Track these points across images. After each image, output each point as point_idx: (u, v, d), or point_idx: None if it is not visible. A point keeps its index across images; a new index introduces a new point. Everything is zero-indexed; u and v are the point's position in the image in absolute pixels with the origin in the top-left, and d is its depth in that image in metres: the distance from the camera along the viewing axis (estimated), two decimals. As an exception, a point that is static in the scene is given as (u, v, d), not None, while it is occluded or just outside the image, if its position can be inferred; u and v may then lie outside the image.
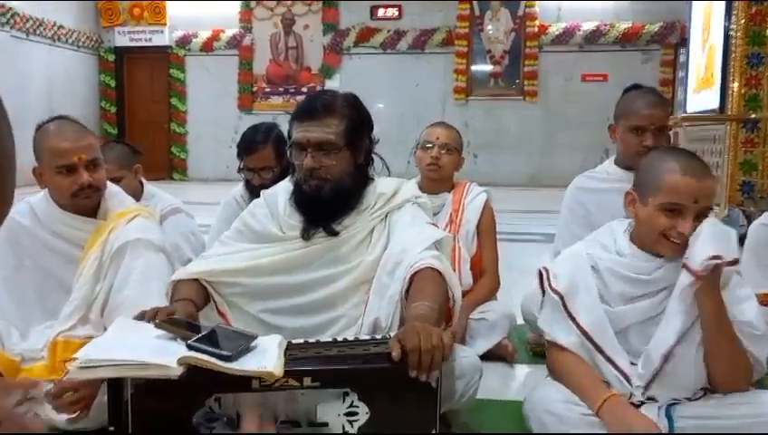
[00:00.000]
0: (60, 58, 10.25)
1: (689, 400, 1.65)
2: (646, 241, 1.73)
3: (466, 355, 1.81)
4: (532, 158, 10.66)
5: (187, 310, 1.60)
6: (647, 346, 1.68)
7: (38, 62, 9.59)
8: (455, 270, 2.59)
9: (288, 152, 1.86)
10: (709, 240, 1.59)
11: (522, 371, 2.55)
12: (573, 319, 1.75)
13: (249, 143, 2.70)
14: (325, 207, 1.81)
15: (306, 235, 1.82)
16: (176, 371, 1.26)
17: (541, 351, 2.34)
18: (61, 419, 1.83)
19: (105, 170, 2.54)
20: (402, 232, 1.81)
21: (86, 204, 2.03)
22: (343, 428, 1.35)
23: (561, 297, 1.77)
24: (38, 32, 9.64)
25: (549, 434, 1.68)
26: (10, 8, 8.91)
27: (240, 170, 2.76)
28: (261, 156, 2.67)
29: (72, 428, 1.83)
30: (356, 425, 1.35)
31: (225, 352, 1.31)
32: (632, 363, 1.69)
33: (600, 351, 1.71)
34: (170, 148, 11.45)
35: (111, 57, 11.40)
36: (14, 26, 9.05)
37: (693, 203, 1.64)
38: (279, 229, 1.86)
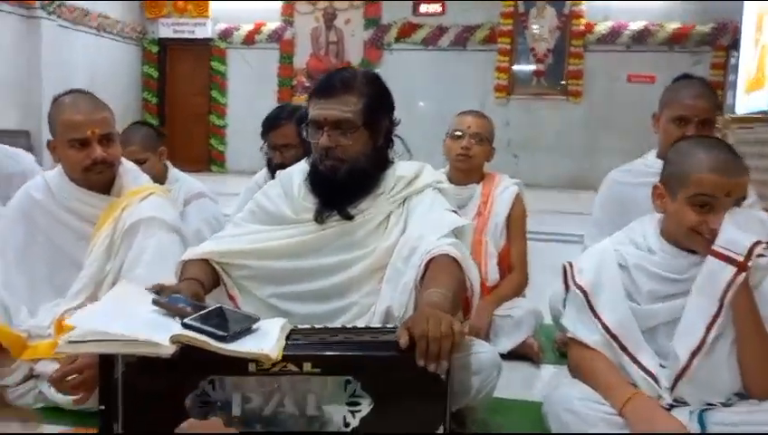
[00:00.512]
0: (105, 48, 10.40)
1: (723, 405, 1.52)
2: (676, 237, 1.62)
3: (484, 350, 1.70)
4: (573, 159, 10.42)
5: (191, 289, 1.54)
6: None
7: (83, 51, 9.73)
8: (480, 265, 2.51)
9: (305, 131, 1.78)
10: (743, 225, 1.48)
11: (547, 371, 2.43)
12: (597, 317, 1.65)
13: (273, 120, 2.68)
14: (340, 189, 1.73)
15: (319, 218, 1.75)
16: (167, 349, 1.20)
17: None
18: (64, 398, 1.79)
19: (129, 152, 2.53)
20: (420, 218, 1.72)
21: (99, 179, 1.99)
22: (344, 418, 1.27)
23: (585, 294, 1.68)
24: (84, 21, 9.79)
25: (568, 434, 1.57)
26: (58, -3, 9.09)
27: (263, 149, 2.71)
28: (283, 132, 2.62)
29: (76, 408, 1.79)
30: (358, 416, 1.27)
31: (220, 332, 1.25)
32: (661, 366, 1.58)
33: (626, 350, 1.61)
34: (209, 140, 11.53)
35: (155, 48, 11.53)
36: (60, 15, 9.20)
37: (725, 196, 1.52)
38: (293, 211, 1.79)
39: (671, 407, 1.53)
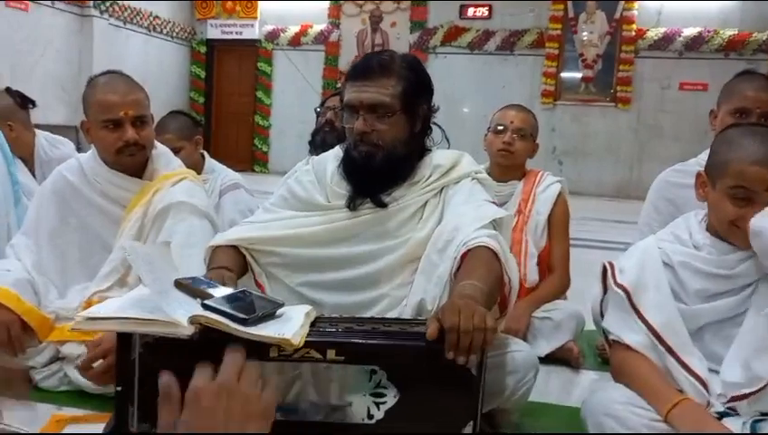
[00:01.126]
0: (154, 48, 10.58)
1: None
2: (718, 229, 1.53)
3: (520, 349, 1.62)
4: (620, 167, 10.18)
5: (232, 279, 1.49)
6: (743, 353, 1.44)
7: (134, 50, 9.92)
8: (519, 265, 2.41)
9: (340, 116, 1.72)
10: None
11: (587, 377, 2.32)
12: (641, 317, 1.55)
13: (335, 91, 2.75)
14: (375, 175, 1.65)
15: (352, 205, 1.68)
16: (186, 329, 1.15)
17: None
18: (88, 382, 1.77)
19: (165, 139, 2.52)
20: (457, 208, 1.64)
21: (130, 162, 1.96)
22: (368, 410, 1.20)
23: (627, 293, 1.58)
24: (135, 21, 9.99)
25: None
26: (110, -4, 9.29)
27: (317, 113, 2.69)
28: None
29: (100, 392, 1.77)
30: (383, 408, 1.20)
31: (241, 315, 1.18)
32: (711, 370, 1.46)
33: (672, 353, 1.50)
34: (253, 140, 11.63)
35: (203, 49, 11.69)
36: (113, 14, 9.40)
37: (765, 191, 1.42)
38: (325, 198, 1.74)
39: (721, 416, 1.42)
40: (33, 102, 2.85)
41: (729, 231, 1.50)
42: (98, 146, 1.97)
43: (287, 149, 11.14)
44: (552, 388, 2.16)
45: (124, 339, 1.21)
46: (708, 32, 9.68)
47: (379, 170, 1.65)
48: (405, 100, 1.64)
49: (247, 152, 11.55)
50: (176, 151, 2.61)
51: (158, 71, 10.52)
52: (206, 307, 1.21)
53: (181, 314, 1.17)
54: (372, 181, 1.67)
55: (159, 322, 1.15)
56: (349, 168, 1.70)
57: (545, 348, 2.33)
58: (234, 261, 1.63)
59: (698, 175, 1.59)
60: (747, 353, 1.43)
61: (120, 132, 1.90)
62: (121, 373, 1.22)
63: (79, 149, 8.85)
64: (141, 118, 1.94)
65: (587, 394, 1.76)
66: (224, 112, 11.77)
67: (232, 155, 9.69)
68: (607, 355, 2.31)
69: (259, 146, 11.62)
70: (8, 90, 2.84)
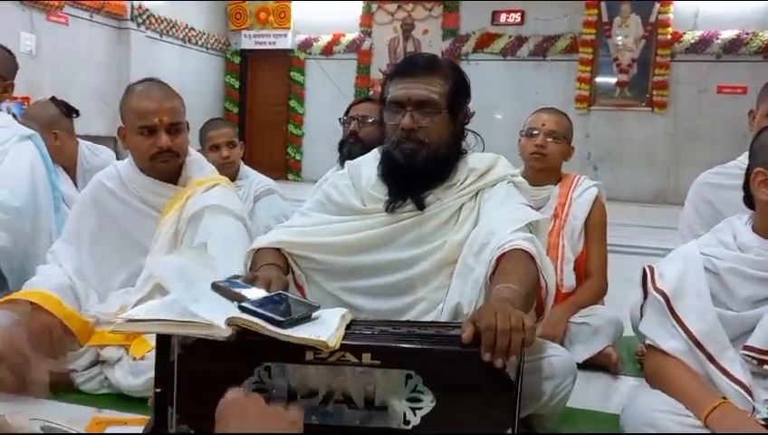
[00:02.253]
0: (190, 59, 10.75)
1: None
2: None
3: (558, 354, 1.60)
4: (657, 173, 10.01)
5: (281, 278, 1.49)
6: None
7: (170, 61, 10.08)
8: (555, 270, 2.38)
9: (383, 115, 1.72)
10: None
11: (626, 383, 2.27)
12: (680, 322, 1.52)
13: (359, 99, 2.82)
14: (417, 175, 1.65)
15: (391, 207, 1.68)
16: (223, 331, 1.16)
17: (650, 364, 2.07)
18: (129, 385, 1.80)
19: (224, 134, 2.65)
20: (492, 211, 1.63)
21: (164, 168, 1.99)
22: (405, 415, 1.19)
23: (667, 298, 1.55)
24: (171, 33, 10.16)
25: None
26: (146, 9, 9.45)
27: (342, 123, 2.72)
28: (365, 106, 2.67)
29: (139, 395, 1.80)
30: (419, 413, 1.19)
31: (277, 317, 1.19)
32: (753, 373, 1.42)
33: (713, 360, 1.47)
34: (286, 149, 11.72)
35: (237, 59, 11.83)
36: (149, 27, 9.59)
37: None
38: (361, 202, 1.74)
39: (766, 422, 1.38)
40: (76, 112, 2.92)
41: None
42: (133, 152, 2.00)
43: (320, 157, 11.18)
44: (590, 394, 2.12)
45: (163, 341, 1.22)
46: (747, 34, 9.48)
47: (421, 169, 1.65)
48: (451, 99, 1.65)
49: (281, 160, 11.65)
50: (232, 146, 2.71)
51: (194, 81, 10.68)
52: (242, 309, 1.22)
53: (219, 317, 1.18)
54: (414, 181, 1.66)
55: (197, 324, 1.16)
56: (389, 168, 1.70)
57: (583, 354, 2.29)
58: (280, 260, 1.65)
59: (757, 172, 1.53)
60: None
61: (154, 139, 1.93)
62: (160, 375, 1.23)
63: (118, 159, 8.97)
64: (176, 125, 1.96)
65: (626, 401, 1.73)
66: (257, 122, 11.89)
67: (266, 163, 9.77)
68: (646, 362, 2.28)
69: (292, 154, 11.71)
70: (53, 99, 2.91)
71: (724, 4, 9.48)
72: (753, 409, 1.41)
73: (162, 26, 9.88)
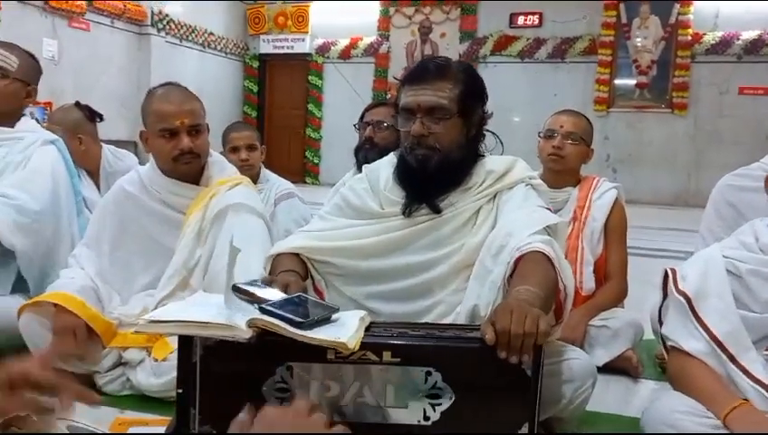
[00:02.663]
0: (209, 63, 10.86)
1: None
2: None
3: (577, 357, 1.60)
4: (678, 175, 9.92)
5: (299, 283, 1.51)
6: None
7: (190, 66, 10.20)
8: (575, 272, 2.37)
9: (396, 120, 1.74)
10: None
11: (646, 387, 2.26)
12: (702, 324, 1.52)
13: (373, 104, 2.80)
14: (430, 180, 1.66)
15: (407, 211, 1.68)
16: (244, 333, 1.17)
17: (670, 366, 2.06)
18: (150, 386, 1.82)
19: (246, 137, 2.70)
20: (510, 214, 1.63)
21: (186, 169, 2.02)
22: (425, 411, 1.20)
23: (689, 300, 1.55)
24: (191, 38, 10.28)
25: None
26: (166, 15, 9.56)
27: (357, 128, 2.74)
28: (379, 110, 2.66)
29: (161, 396, 1.82)
30: (439, 410, 1.20)
31: (297, 319, 1.21)
32: None
33: (735, 361, 1.47)
34: (304, 152, 11.78)
35: (255, 64, 11.93)
36: (169, 32, 9.71)
37: None
38: (379, 205, 1.74)
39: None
40: (100, 116, 2.97)
41: None
42: (155, 154, 2.03)
43: (338, 161, 11.20)
44: (610, 397, 2.11)
45: (185, 342, 1.24)
46: (768, 34, 9.38)
47: (434, 174, 1.65)
48: (461, 103, 1.65)
49: (299, 164, 11.71)
50: (253, 149, 2.76)
51: (213, 86, 10.79)
52: (263, 311, 1.24)
53: (240, 318, 1.20)
54: (428, 186, 1.67)
55: (219, 325, 1.18)
56: (404, 173, 1.71)
57: (603, 357, 2.28)
58: (298, 266, 1.66)
59: None
60: None
61: (175, 141, 1.96)
62: (183, 376, 1.25)
63: (141, 164, 9.06)
64: (196, 127, 1.99)
65: (646, 404, 1.72)
66: (276, 125, 11.96)
67: (284, 167, 9.82)
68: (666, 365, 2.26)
69: (310, 158, 11.77)
70: (77, 104, 2.96)
71: (745, 5, 9.38)
72: None
73: (182, 31, 9.99)
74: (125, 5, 8.79)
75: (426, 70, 1.66)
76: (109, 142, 3.20)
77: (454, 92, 1.63)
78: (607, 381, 2.19)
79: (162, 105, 1.97)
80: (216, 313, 1.23)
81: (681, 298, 1.56)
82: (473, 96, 1.68)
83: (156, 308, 1.79)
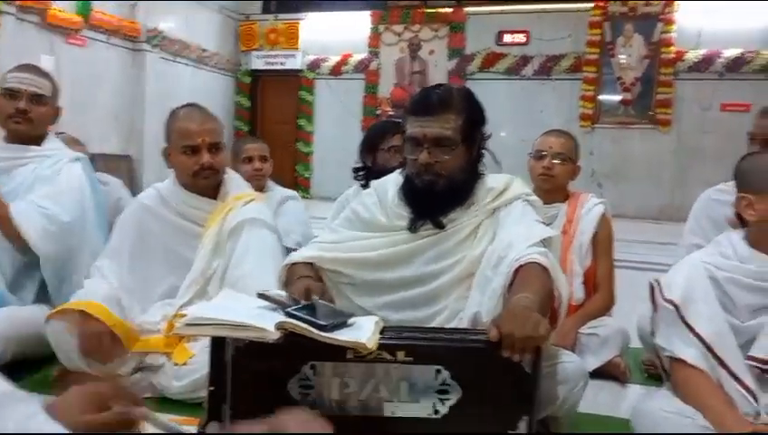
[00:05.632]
0: (202, 79, 10.96)
1: None
2: None
3: (571, 360, 1.73)
4: (662, 190, 10.12)
5: (322, 287, 1.66)
6: None
7: (183, 82, 10.29)
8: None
9: (403, 148, 1.87)
10: None
11: (634, 391, 2.39)
12: (691, 328, 1.61)
13: (391, 126, 2.86)
14: (436, 201, 1.79)
15: (413, 227, 1.82)
16: (273, 334, 1.30)
17: (656, 372, 2.19)
18: (171, 387, 1.93)
19: (260, 148, 2.88)
20: (509, 228, 1.77)
21: (206, 184, 2.16)
22: (434, 406, 1.34)
23: (676, 307, 1.64)
24: (184, 54, 10.39)
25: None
26: (161, 31, 9.67)
27: (364, 156, 2.86)
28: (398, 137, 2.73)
29: (183, 398, 1.93)
30: (447, 404, 1.33)
31: (320, 322, 1.34)
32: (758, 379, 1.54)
33: (724, 365, 1.56)
34: (296, 166, 11.89)
35: (247, 79, 12.05)
36: (163, 48, 9.81)
37: None
38: (386, 218, 1.87)
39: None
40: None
41: None
42: (177, 170, 2.17)
43: (329, 175, 11.38)
44: (600, 401, 2.24)
45: (218, 343, 1.36)
46: (750, 53, 9.62)
47: (440, 196, 1.78)
48: (465, 132, 1.77)
49: (290, 178, 11.78)
50: (265, 160, 2.91)
51: (206, 101, 10.59)
52: (289, 315, 1.36)
53: (268, 322, 1.33)
54: (433, 206, 1.80)
55: (250, 327, 1.31)
56: (410, 194, 1.83)
57: (593, 363, 2.40)
58: (313, 274, 1.78)
59: (741, 198, 1.65)
60: None
61: (197, 157, 2.10)
62: (215, 374, 1.37)
63: (132, 178, 9.07)
64: (216, 145, 2.14)
65: (635, 406, 1.84)
66: (267, 140, 11.72)
67: (275, 181, 9.89)
68: (653, 371, 2.40)
69: (301, 172, 11.88)
70: (71, 138, 3.08)
71: (727, 23, 9.62)
72: (758, 413, 1.51)
73: (175, 48, 10.09)
74: (120, 22, 8.90)
75: (430, 102, 1.77)
76: (103, 157, 3.31)
77: (457, 123, 1.75)
78: (597, 386, 2.31)
79: (185, 124, 2.11)
80: (245, 315, 1.36)
81: (669, 306, 1.65)
82: (474, 123, 1.81)
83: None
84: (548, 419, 1.73)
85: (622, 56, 10.24)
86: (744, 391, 1.53)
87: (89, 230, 2.37)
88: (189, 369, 1.90)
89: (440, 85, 1.89)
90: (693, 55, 9.89)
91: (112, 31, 8.84)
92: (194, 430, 1.49)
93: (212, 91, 11.16)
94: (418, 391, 1.33)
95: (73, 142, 2.98)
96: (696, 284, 1.65)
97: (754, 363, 1.57)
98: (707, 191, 2.55)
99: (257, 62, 11.91)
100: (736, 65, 9.70)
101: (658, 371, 1.84)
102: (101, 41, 8.75)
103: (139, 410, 0.85)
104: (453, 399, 1.33)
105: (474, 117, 1.81)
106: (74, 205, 2.31)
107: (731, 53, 9.69)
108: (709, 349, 1.58)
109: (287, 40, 11.68)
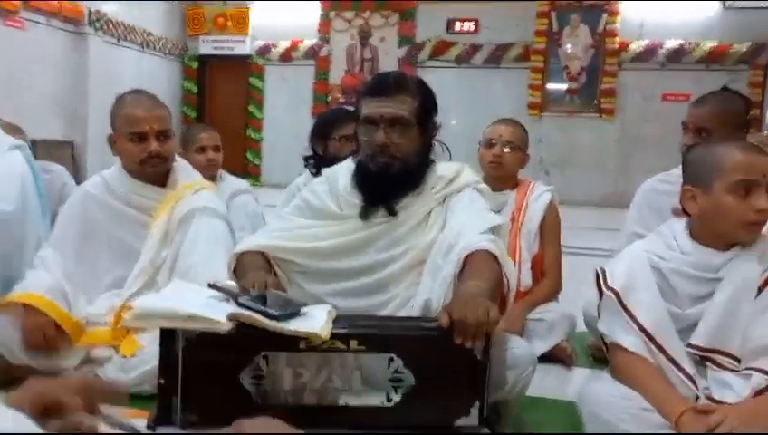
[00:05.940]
0: (148, 64, 10.68)
1: None
2: (720, 232, 1.63)
3: (519, 345, 1.76)
4: (606, 177, 10.38)
5: (276, 281, 1.64)
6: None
7: (128, 66, 10.00)
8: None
9: (358, 130, 1.86)
10: None
11: (580, 374, 2.47)
12: (632, 316, 1.65)
13: (342, 115, 2.85)
14: (389, 185, 1.80)
15: (364, 215, 1.82)
16: (224, 326, 1.29)
17: (602, 356, 2.26)
18: (123, 380, 1.90)
19: (214, 137, 2.80)
20: (459, 215, 1.79)
21: (153, 172, 2.11)
22: (387, 394, 1.35)
23: (618, 295, 1.68)
24: (129, 38, 10.10)
25: (603, 434, 1.60)
26: (104, 14, 9.38)
27: (314, 144, 2.83)
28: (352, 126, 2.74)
29: (133, 392, 1.90)
30: (400, 392, 1.35)
31: (272, 312, 1.33)
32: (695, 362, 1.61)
33: (663, 352, 1.61)
34: (245, 153, 11.74)
35: (195, 64, 11.80)
36: (107, 32, 9.51)
37: (762, 177, 1.56)
38: (338, 207, 1.87)
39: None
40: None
41: (737, 229, 1.60)
42: (123, 157, 2.12)
43: (279, 162, 11.26)
44: (548, 384, 2.30)
45: (168, 334, 1.34)
46: (690, 44, 9.92)
47: (393, 180, 1.80)
48: (419, 115, 1.80)
49: (240, 165, 11.62)
50: (218, 150, 2.86)
51: (152, 86, 10.31)
52: (240, 305, 1.36)
53: (219, 312, 1.32)
54: (386, 190, 1.81)
55: (201, 318, 1.29)
56: (363, 179, 1.84)
57: (540, 348, 2.46)
58: (266, 264, 1.77)
59: (685, 190, 1.68)
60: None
61: (144, 145, 2.06)
62: (165, 367, 1.35)
63: (75, 165, 8.78)
64: (164, 132, 2.09)
65: (581, 388, 1.90)
66: (216, 127, 11.59)
67: (225, 168, 9.78)
68: (599, 354, 2.47)
69: (251, 159, 11.74)
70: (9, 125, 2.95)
71: (669, 15, 9.90)
72: (697, 397, 1.57)
73: (120, 31, 9.81)
74: (61, 4, 8.57)
75: (386, 84, 1.80)
76: (45, 143, 3.18)
77: (413, 105, 1.78)
78: (544, 370, 2.37)
79: (132, 110, 2.06)
80: (196, 306, 1.34)
81: (611, 294, 1.69)
82: (428, 108, 1.84)
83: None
84: (498, 403, 1.77)
85: (568, 46, 10.43)
86: (683, 377, 1.59)
87: (32, 220, 2.28)
88: (138, 360, 1.87)
89: (395, 71, 1.92)
90: (636, 46, 10.14)
91: (53, 13, 8.52)
92: (143, 423, 1.47)
93: (158, 77, 10.90)
94: (372, 379, 1.34)
95: (12, 129, 2.86)
96: (637, 273, 1.69)
97: (694, 350, 1.62)
98: (648, 181, 2.61)
99: (205, 46, 11.66)
100: (677, 56, 9.99)
101: (604, 354, 1.89)
102: (42, 23, 8.43)
103: (90, 420, 0.78)
104: (406, 387, 1.34)
105: (427, 104, 1.84)
106: (15, 194, 2.22)
107: (672, 44, 9.98)
108: (649, 336, 1.62)
109: (236, 24, 11.47)
